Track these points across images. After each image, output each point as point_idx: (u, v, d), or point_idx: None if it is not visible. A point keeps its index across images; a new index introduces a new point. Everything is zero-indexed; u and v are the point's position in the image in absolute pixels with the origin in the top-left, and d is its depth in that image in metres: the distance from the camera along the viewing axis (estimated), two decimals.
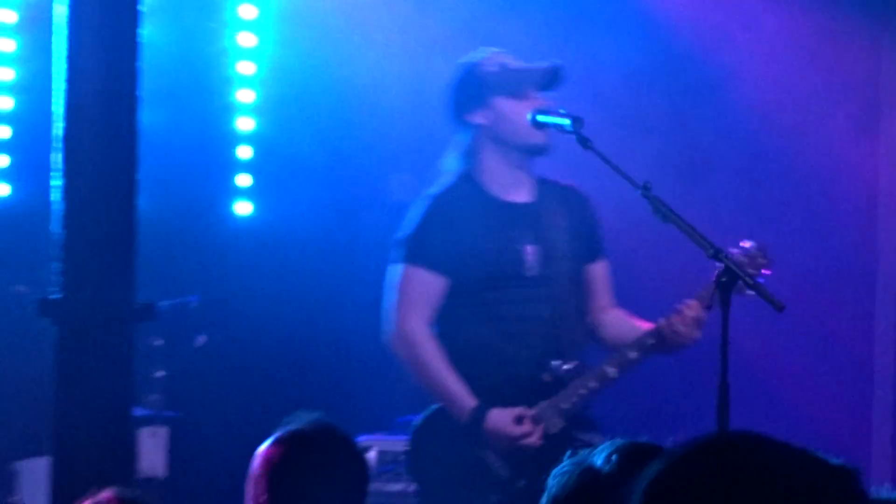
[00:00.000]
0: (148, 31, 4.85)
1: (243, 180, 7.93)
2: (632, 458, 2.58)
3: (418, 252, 5.52)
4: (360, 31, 7.71)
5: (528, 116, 5.54)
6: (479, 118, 5.58)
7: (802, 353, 7.85)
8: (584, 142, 5.37)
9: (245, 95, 7.90)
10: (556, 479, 2.60)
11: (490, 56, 5.66)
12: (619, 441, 2.63)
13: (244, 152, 7.93)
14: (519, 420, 5.37)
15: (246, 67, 7.90)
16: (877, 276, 8.12)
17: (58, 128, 4.72)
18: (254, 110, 7.93)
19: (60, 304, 4.66)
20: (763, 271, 5.41)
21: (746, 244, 5.40)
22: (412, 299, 5.50)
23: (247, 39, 7.89)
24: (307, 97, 7.80)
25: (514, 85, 5.56)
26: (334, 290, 7.72)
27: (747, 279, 4.90)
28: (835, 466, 1.71)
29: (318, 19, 7.77)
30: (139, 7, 4.77)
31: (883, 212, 8.09)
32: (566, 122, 5.40)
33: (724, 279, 4.85)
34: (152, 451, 6.84)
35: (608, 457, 2.58)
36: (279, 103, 7.88)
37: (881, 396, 8.09)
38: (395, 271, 5.58)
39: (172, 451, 6.95)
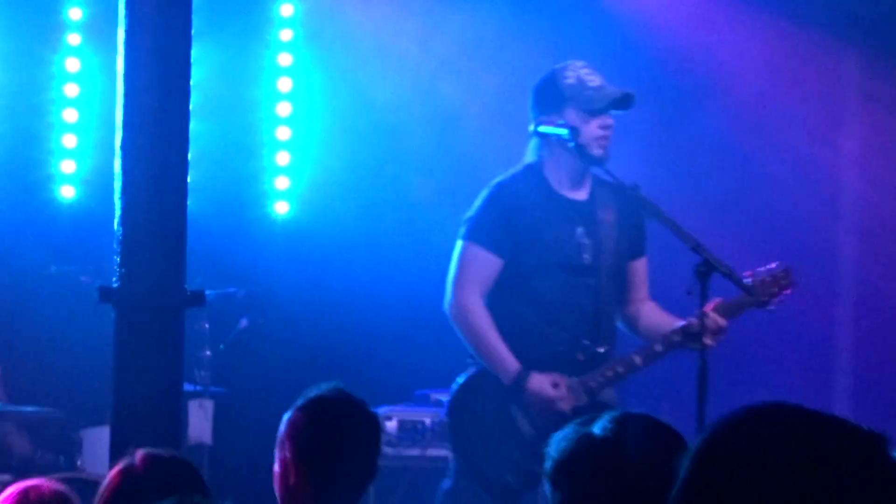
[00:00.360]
0: (197, 51, 4.83)
1: (282, 183, 7.92)
2: (625, 426, 2.57)
3: (478, 232, 5.45)
4: (380, 52, 7.72)
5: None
6: (551, 122, 5.46)
7: (772, 336, 7.81)
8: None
9: (283, 108, 7.90)
10: (557, 444, 2.59)
11: (573, 68, 5.50)
12: (615, 412, 2.62)
13: (282, 158, 7.93)
14: (555, 385, 5.35)
15: (284, 84, 7.89)
16: (837, 266, 8.10)
17: (118, 137, 4.70)
18: (290, 121, 7.92)
19: (119, 292, 4.65)
20: (785, 291, 5.40)
21: (773, 266, 5.40)
22: (469, 274, 5.43)
23: (285, 59, 7.89)
24: (337, 109, 7.81)
25: (587, 100, 5.43)
26: (360, 280, 7.71)
27: (723, 270, 4.88)
28: (867, 432, 1.65)
29: (346, 42, 7.78)
30: (190, 30, 4.76)
31: (844, 209, 8.07)
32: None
33: (702, 269, 4.83)
34: (200, 422, 6.85)
35: (604, 425, 2.57)
36: (312, 115, 7.89)
37: (841, 381, 8.06)
38: (458, 247, 5.51)
39: (217, 421, 6.95)
